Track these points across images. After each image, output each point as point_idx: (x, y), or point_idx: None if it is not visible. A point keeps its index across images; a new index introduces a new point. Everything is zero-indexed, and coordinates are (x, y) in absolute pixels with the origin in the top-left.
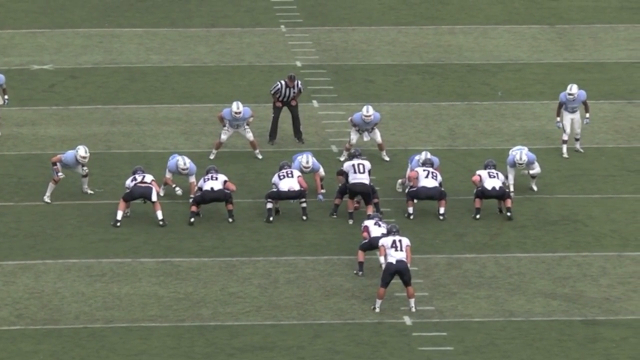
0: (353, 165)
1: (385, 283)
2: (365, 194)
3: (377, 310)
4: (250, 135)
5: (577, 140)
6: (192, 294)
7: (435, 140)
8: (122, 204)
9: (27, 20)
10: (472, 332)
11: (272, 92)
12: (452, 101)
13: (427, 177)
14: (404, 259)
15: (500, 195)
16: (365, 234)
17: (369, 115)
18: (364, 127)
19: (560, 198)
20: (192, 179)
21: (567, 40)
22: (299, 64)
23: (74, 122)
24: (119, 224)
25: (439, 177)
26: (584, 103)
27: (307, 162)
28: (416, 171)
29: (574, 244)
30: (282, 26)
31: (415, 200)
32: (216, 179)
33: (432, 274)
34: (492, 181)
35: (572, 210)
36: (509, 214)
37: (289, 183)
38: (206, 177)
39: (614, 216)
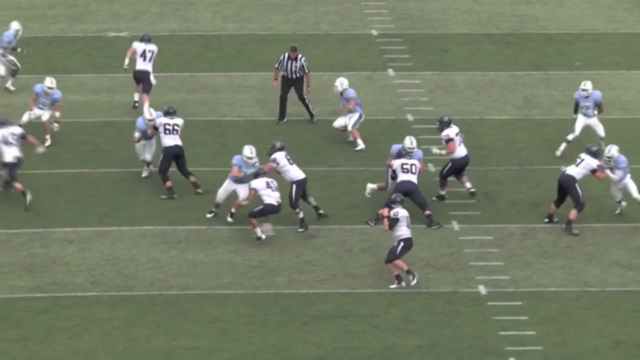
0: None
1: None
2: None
3: (262, 236)
4: (46, 115)
5: (602, 139)
6: (267, 261)
7: (510, 109)
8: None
9: None
10: (546, 301)
11: (276, 65)
12: (528, 71)
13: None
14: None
15: (564, 183)
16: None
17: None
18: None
19: (636, 168)
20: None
21: None
22: (374, 32)
23: None
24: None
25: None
26: (598, 105)
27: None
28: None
29: None
30: None
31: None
32: (176, 131)
33: (507, 244)
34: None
35: None
36: (564, 225)
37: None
38: (166, 125)
39: None
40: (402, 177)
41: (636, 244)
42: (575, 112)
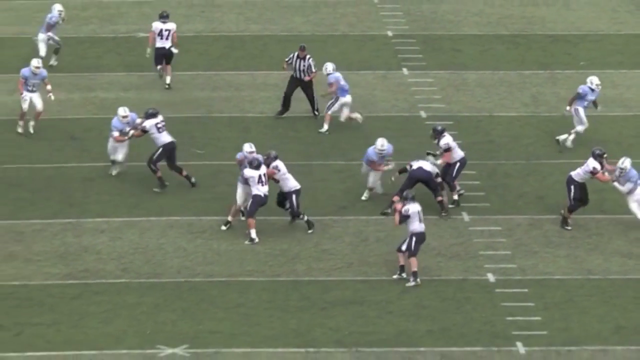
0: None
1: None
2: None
3: (256, 239)
4: (40, 105)
5: (572, 133)
6: (287, 250)
7: (518, 107)
8: None
9: None
10: (552, 289)
11: (287, 60)
12: (535, 70)
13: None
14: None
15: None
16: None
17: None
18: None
19: (637, 162)
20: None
21: None
22: (390, 33)
23: (177, 88)
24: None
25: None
26: (594, 101)
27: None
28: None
29: None
30: None
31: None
32: (166, 128)
33: (514, 234)
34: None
35: None
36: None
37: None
38: (158, 125)
39: None
40: (415, 163)
41: (637, 234)
42: (570, 104)
